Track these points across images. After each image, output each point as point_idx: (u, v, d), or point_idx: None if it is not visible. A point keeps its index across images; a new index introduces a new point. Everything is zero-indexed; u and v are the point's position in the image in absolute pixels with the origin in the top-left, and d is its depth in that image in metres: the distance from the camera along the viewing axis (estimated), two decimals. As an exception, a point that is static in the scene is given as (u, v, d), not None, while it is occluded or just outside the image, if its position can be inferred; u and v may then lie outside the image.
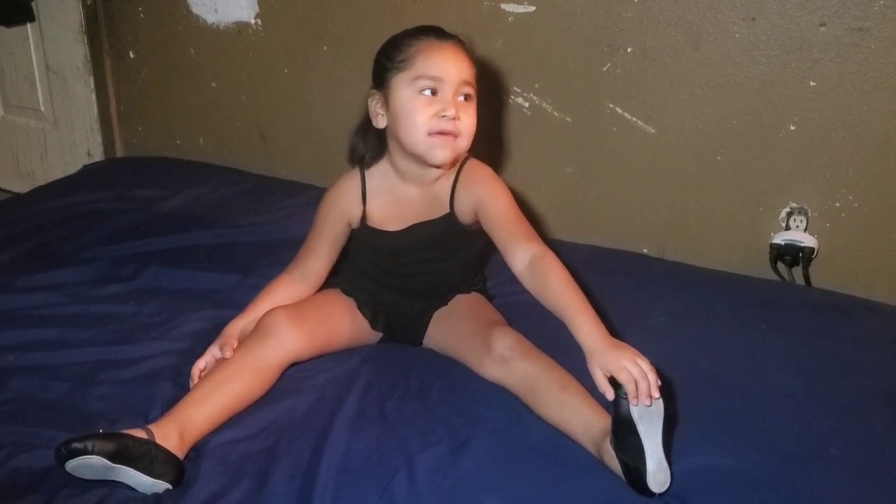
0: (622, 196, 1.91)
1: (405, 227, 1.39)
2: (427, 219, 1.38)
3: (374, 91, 1.35)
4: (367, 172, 1.41)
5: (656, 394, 1.06)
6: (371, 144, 1.39)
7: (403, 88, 1.29)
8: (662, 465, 1.07)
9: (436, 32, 1.32)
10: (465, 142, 1.31)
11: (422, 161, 1.32)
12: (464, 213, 1.36)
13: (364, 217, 1.40)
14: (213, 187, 2.09)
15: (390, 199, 1.40)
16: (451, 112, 1.27)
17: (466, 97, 1.30)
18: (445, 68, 1.27)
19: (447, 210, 1.37)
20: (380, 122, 1.35)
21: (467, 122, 1.30)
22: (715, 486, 1.10)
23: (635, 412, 1.05)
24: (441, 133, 1.28)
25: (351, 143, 1.42)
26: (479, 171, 1.37)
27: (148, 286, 1.62)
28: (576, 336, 1.12)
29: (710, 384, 1.33)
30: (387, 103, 1.32)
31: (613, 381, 1.07)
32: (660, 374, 1.08)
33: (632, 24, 1.76)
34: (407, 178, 1.38)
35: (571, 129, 1.90)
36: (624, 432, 1.07)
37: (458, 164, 1.38)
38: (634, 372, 1.05)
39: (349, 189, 1.42)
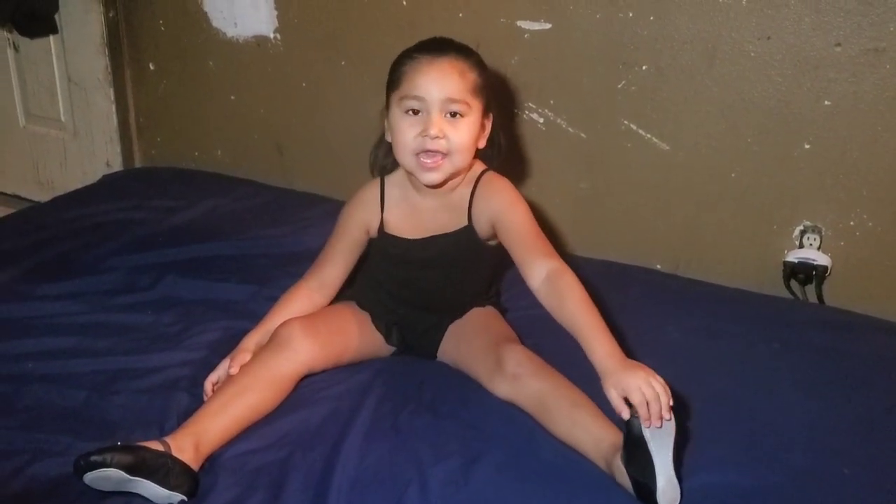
0: (636, 212, 1.91)
1: (424, 236, 1.40)
2: (445, 231, 1.39)
3: (385, 107, 1.37)
4: (386, 181, 1.44)
5: (668, 415, 1.07)
6: (389, 155, 1.41)
7: (394, 107, 1.32)
8: (673, 481, 1.07)
9: (430, 49, 1.31)
10: (458, 157, 1.31)
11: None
12: (481, 226, 1.37)
13: (382, 225, 1.42)
14: (231, 199, 2.11)
15: (408, 208, 1.42)
16: (433, 132, 1.27)
17: (455, 114, 1.29)
18: (428, 88, 1.27)
19: (465, 222, 1.38)
20: (388, 136, 1.37)
21: (456, 138, 1.29)
22: (726, 504, 1.10)
23: (647, 431, 1.06)
24: (426, 152, 1.28)
25: (372, 155, 1.45)
26: (496, 184, 1.37)
27: (166, 296, 1.63)
28: (590, 357, 1.13)
29: (722, 401, 1.33)
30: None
31: (627, 400, 1.08)
32: (673, 392, 1.08)
33: (647, 42, 1.77)
34: (421, 188, 1.39)
35: (586, 144, 1.91)
36: (635, 449, 1.07)
37: (475, 176, 1.38)
38: (647, 393, 1.06)
39: (369, 198, 1.44)
